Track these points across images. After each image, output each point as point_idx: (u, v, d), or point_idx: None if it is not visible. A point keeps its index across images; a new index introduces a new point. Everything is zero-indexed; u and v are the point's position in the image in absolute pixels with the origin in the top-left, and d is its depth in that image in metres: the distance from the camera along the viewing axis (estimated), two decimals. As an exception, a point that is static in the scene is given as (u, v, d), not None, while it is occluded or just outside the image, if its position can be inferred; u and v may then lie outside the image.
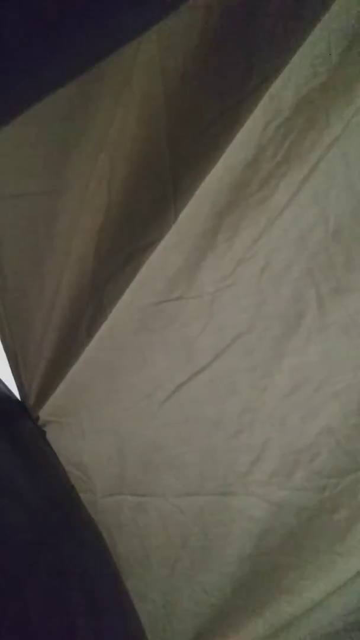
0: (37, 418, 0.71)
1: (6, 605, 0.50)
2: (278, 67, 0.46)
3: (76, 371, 0.64)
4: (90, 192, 0.56)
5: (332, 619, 0.66)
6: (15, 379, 0.69)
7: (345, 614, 0.65)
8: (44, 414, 0.70)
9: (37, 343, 0.65)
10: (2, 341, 0.67)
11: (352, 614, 0.65)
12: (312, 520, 0.64)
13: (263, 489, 0.65)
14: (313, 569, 0.64)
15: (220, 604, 0.70)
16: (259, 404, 0.62)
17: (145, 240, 0.55)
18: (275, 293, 0.58)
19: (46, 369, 0.66)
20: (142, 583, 0.71)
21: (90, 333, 0.61)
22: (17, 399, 0.71)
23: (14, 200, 0.59)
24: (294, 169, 0.52)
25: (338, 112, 0.50)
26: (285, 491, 0.64)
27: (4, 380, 0.71)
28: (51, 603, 0.55)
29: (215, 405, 0.64)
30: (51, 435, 0.71)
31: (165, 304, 0.61)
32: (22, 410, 0.70)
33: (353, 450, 0.61)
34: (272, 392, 0.62)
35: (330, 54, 0.48)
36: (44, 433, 0.71)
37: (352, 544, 0.62)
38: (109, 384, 0.66)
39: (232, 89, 0.48)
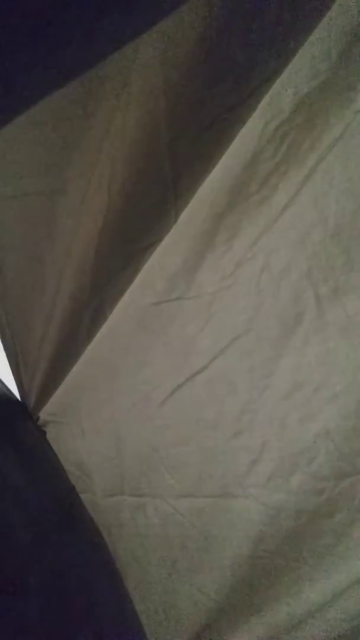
0: (37, 418, 0.71)
1: (6, 605, 0.50)
2: (279, 67, 0.46)
3: (76, 371, 0.64)
4: (90, 192, 0.56)
5: (334, 624, 0.65)
6: (15, 379, 0.69)
7: (348, 619, 0.65)
8: (44, 414, 0.70)
9: (37, 343, 0.65)
10: (2, 341, 0.68)
11: (354, 619, 0.64)
12: (310, 524, 0.63)
13: (261, 491, 0.65)
14: (312, 571, 0.64)
15: (218, 605, 0.69)
16: (257, 405, 0.62)
17: (146, 241, 0.55)
18: (274, 294, 0.58)
19: (46, 369, 0.66)
20: (141, 583, 0.71)
21: (90, 333, 0.61)
22: (17, 399, 0.71)
23: (14, 200, 0.59)
24: (294, 169, 0.52)
25: (338, 112, 0.50)
26: (283, 494, 0.64)
27: (4, 380, 0.71)
28: (51, 603, 0.55)
29: (214, 406, 0.64)
30: (51, 435, 0.71)
31: (164, 304, 0.61)
32: (22, 410, 0.70)
33: (350, 453, 0.61)
34: (270, 393, 0.62)
35: (330, 54, 0.48)
36: (44, 433, 0.71)
37: (351, 546, 0.62)
38: (109, 384, 0.66)
39: (233, 90, 0.48)
